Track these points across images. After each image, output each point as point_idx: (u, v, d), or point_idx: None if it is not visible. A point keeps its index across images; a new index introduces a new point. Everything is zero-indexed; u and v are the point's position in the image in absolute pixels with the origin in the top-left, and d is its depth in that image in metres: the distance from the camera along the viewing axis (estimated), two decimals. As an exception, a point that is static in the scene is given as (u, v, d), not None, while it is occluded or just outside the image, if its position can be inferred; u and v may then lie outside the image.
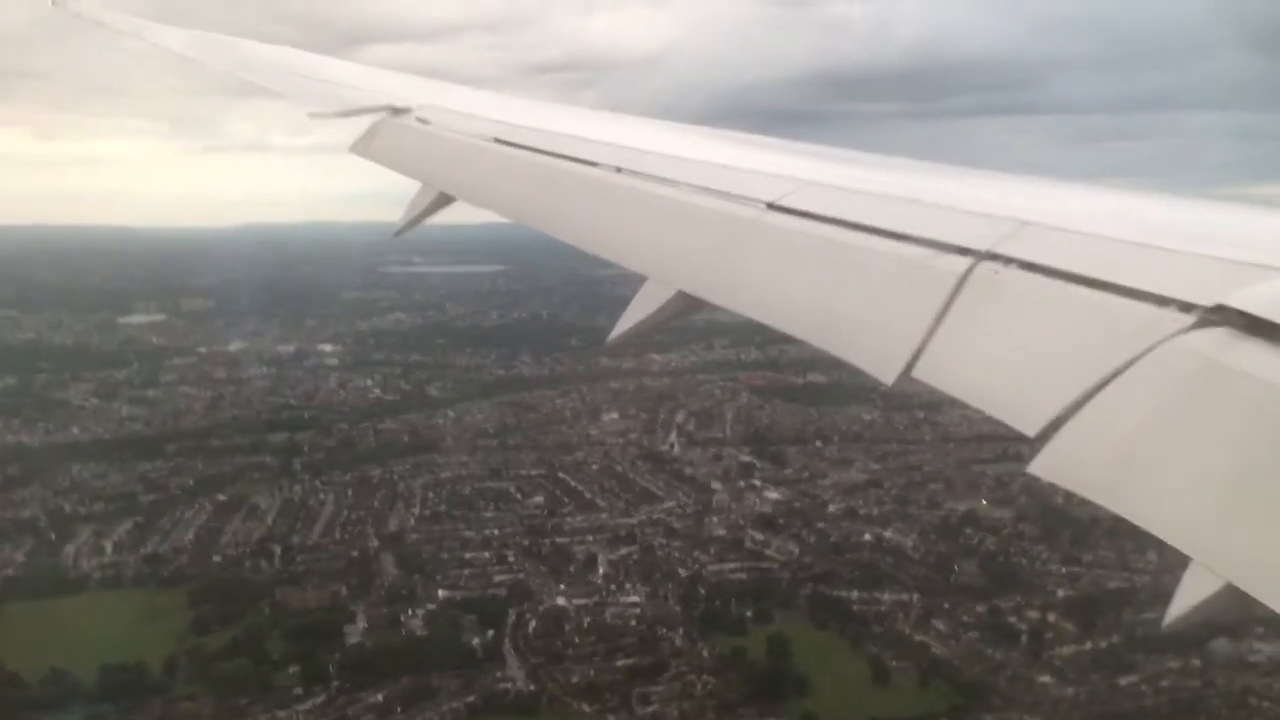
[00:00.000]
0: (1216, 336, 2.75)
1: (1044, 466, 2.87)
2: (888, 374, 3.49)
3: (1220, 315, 2.80)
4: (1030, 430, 2.93)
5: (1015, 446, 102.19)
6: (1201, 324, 2.81)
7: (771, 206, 4.55)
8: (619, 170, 5.64)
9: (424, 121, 7.60)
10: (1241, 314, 2.75)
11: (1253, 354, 2.64)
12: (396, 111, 7.85)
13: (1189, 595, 2.57)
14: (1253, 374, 2.58)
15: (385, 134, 7.65)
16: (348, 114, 8.01)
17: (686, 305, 4.58)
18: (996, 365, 3.27)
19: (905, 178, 5.31)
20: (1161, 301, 2.96)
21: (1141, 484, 2.66)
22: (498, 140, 6.75)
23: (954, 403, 3.30)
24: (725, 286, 4.45)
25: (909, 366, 3.42)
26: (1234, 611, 2.53)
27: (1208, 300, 2.86)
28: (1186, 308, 2.89)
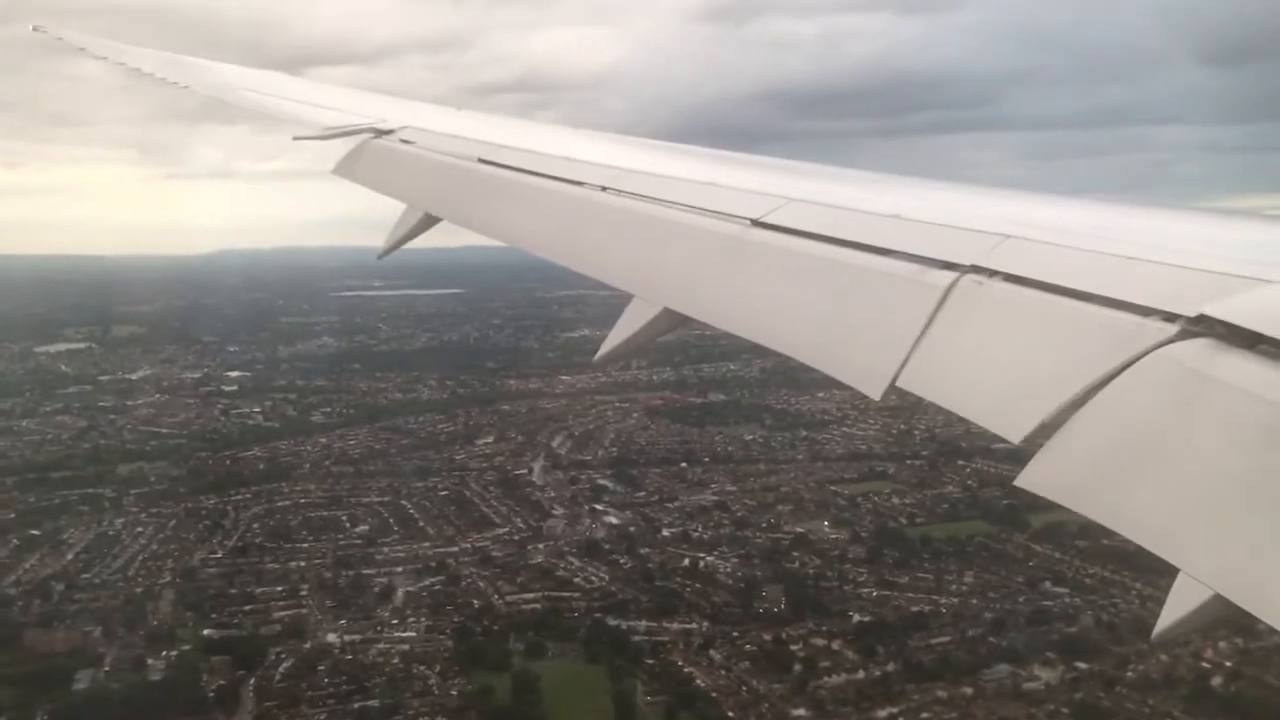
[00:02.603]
0: (1199, 347, 2.73)
1: (1030, 480, 2.84)
2: (875, 388, 3.44)
3: (1203, 326, 2.78)
4: (1015, 437, 2.91)
5: (882, 465, 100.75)
6: (1184, 335, 2.79)
7: (756, 223, 4.51)
8: (604, 189, 5.54)
9: (407, 142, 7.40)
10: (1224, 324, 2.73)
11: (1236, 364, 2.61)
12: (380, 133, 7.65)
13: (1177, 605, 2.52)
14: (1236, 384, 2.55)
15: (369, 156, 7.46)
16: (331, 136, 7.79)
17: (673, 323, 4.53)
18: (982, 376, 3.24)
19: (887, 193, 5.17)
20: (1145, 312, 2.94)
21: (1127, 495, 2.62)
22: (482, 160, 6.60)
23: (941, 412, 3.24)
24: (711, 304, 4.42)
25: (895, 379, 3.38)
26: (1222, 621, 2.47)
27: (1190, 311, 2.83)
28: (1169, 318, 2.86)
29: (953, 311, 3.42)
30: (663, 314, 4.52)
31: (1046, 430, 2.87)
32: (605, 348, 4.76)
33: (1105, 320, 3.01)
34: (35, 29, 13.48)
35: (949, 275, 3.53)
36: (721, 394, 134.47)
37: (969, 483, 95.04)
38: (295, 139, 8.09)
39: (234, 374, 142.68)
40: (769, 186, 5.01)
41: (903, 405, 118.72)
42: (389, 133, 7.64)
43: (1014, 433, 2.93)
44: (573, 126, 8.83)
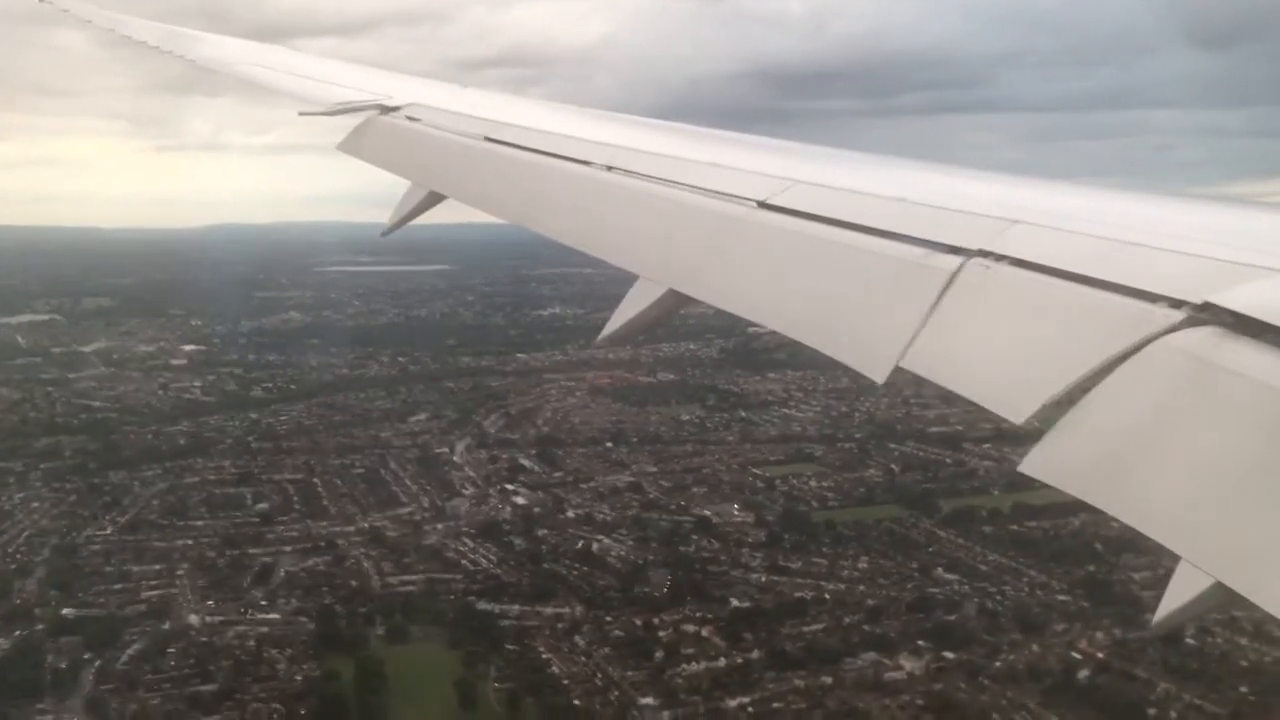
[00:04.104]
0: (1205, 335, 2.70)
1: (1034, 465, 2.81)
2: (878, 372, 3.40)
3: (1209, 314, 2.75)
4: (1018, 418, 2.89)
5: (811, 447, 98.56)
6: (1190, 322, 2.76)
7: (762, 205, 4.48)
8: (610, 169, 5.50)
9: (413, 120, 7.34)
10: (1229, 312, 2.70)
11: (1241, 352, 2.58)
12: (385, 110, 7.56)
13: (1178, 593, 2.52)
14: (1241, 372, 2.52)
15: (374, 132, 7.40)
16: (337, 112, 7.70)
17: (677, 303, 4.47)
18: (987, 358, 3.22)
19: (893, 176, 5.08)
20: (1151, 299, 2.91)
21: (1131, 483, 2.61)
22: (488, 139, 6.52)
23: (944, 393, 3.28)
24: (716, 284, 4.38)
25: (898, 364, 3.35)
26: (1222, 608, 2.49)
27: (1196, 298, 2.81)
28: (1176, 304, 2.83)
29: (959, 295, 3.37)
30: (667, 294, 4.45)
31: (1049, 412, 2.84)
32: (609, 328, 4.66)
33: (1112, 306, 2.96)
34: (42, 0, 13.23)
35: (956, 259, 3.50)
36: (672, 373, 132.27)
37: (893, 466, 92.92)
38: (301, 114, 7.93)
39: (188, 348, 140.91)
40: (775, 168, 4.90)
41: (852, 388, 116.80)
42: (395, 110, 7.51)
43: (1016, 414, 2.89)
44: (571, 105, 8.49)
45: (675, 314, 4.61)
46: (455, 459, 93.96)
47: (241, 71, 9.98)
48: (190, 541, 70.13)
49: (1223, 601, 2.41)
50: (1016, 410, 2.90)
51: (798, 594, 66.57)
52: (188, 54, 10.89)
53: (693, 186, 4.90)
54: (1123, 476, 2.62)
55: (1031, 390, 2.90)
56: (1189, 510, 2.47)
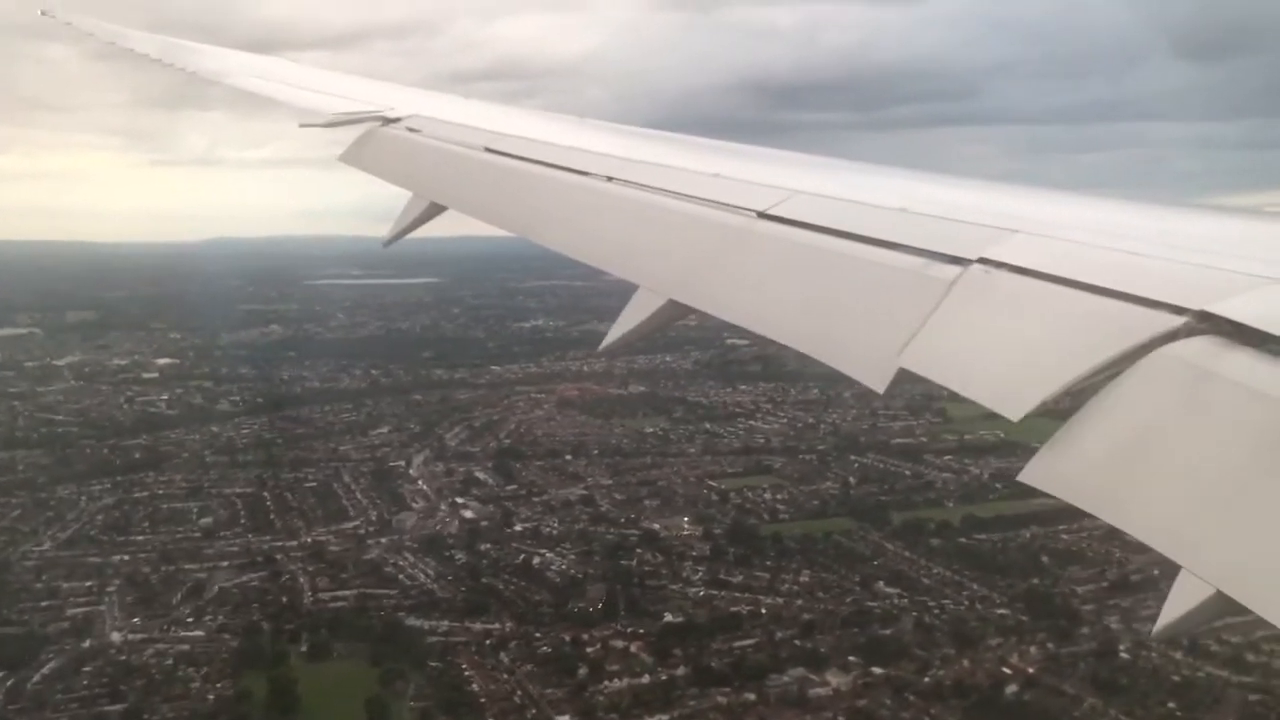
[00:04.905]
0: (1205, 344, 2.70)
1: (1034, 475, 2.80)
2: (878, 382, 3.38)
3: (1208, 323, 2.75)
4: (1014, 415, 2.90)
5: (770, 460, 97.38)
6: (1189, 331, 2.75)
7: (762, 215, 4.49)
8: (610, 179, 5.48)
9: (414, 131, 7.35)
10: (1229, 322, 2.70)
11: (1241, 362, 2.58)
12: (386, 121, 7.57)
13: (1179, 602, 2.49)
14: (1241, 382, 2.52)
15: (375, 143, 7.39)
16: (337, 123, 7.66)
17: (677, 313, 4.45)
18: (987, 363, 3.19)
19: (893, 186, 5.07)
20: (1151, 307, 2.90)
21: (1131, 492, 2.60)
22: (488, 150, 6.52)
23: (944, 391, 3.22)
24: (716, 295, 4.35)
25: (898, 374, 3.32)
26: (1222, 618, 2.46)
27: (1195, 307, 2.80)
28: (1175, 313, 2.83)
29: (959, 299, 3.37)
30: (667, 305, 4.40)
31: (1046, 410, 2.84)
32: (610, 339, 4.60)
33: (1112, 313, 2.94)
34: (43, 14, 13.25)
35: (955, 268, 3.49)
36: (643, 386, 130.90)
37: (850, 479, 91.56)
38: (302, 126, 7.90)
39: (161, 361, 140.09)
40: (774, 179, 4.92)
41: (820, 399, 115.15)
42: (396, 121, 7.51)
43: (1013, 411, 2.90)
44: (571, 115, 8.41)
45: (674, 324, 4.54)
46: (411, 472, 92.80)
47: (242, 83, 9.93)
48: (127, 557, 68.97)
49: (1223, 611, 2.36)
50: (1013, 408, 2.89)
51: (733, 609, 65.35)
52: (188, 66, 10.88)
53: (693, 197, 4.88)
54: (1122, 486, 2.59)
55: (1028, 389, 2.89)
56: (1188, 520, 2.43)
